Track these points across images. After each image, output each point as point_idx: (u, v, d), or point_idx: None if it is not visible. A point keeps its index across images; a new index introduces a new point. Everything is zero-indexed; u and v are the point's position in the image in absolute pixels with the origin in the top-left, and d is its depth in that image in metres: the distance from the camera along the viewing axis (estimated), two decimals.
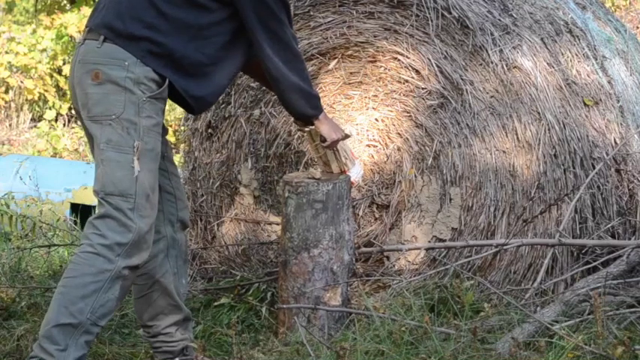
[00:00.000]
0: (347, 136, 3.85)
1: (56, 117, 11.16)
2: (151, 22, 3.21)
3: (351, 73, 4.47)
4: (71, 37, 10.91)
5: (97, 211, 3.23)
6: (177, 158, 5.78)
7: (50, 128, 10.77)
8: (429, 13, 4.29)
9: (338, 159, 3.87)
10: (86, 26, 3.35)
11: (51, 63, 11.20)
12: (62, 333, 3.15)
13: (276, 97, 4.52)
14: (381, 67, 4.41)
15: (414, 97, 4.37)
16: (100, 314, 3.18)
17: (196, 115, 3.68)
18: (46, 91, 11.18)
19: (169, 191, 3.48)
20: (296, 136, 4.56)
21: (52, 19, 11.25)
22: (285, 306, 3.82)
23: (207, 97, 3.39)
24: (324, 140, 3.70)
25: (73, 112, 10.58)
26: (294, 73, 3.45)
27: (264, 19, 3.33)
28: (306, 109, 3.58)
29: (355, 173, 3.91)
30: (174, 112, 10.44)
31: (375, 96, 4.45)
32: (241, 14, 3.33)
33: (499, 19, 4.29)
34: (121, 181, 3.18)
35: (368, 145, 4.49)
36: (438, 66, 4.31)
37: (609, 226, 4.19)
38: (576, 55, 4.33)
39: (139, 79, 3.19)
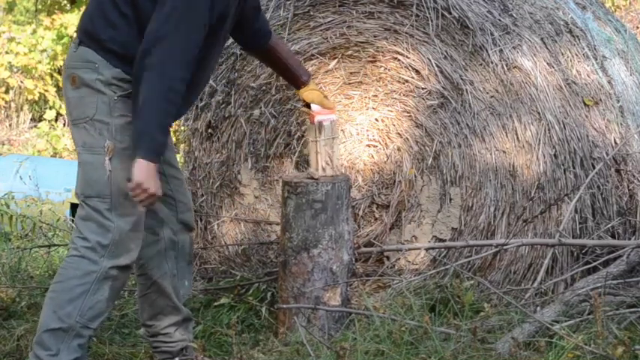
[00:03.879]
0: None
1: (56, 117, 11.17)
2: (115, 22, 3.21)
3: (351, 73, 4.47)
4: (71, 37, 10.92)
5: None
6: (177, 158, 5.78)
7: (50, 128, 10.77)
8: (429, 13, 4.29)
9: (318, 160, 3.86)
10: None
11: (51, 64, 11.21)
12: (53, 338, 3.16)
13: (276, 97, 4.55)
14: (381, 67, 4.41)
15: (414, 97, 4.37)
16: (89, 316, 3.19)
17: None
18: (46, 91, 11.18)
19: (167, 194, 3.47)
20: (296, 136, 4.56)
21: (53, 19, 11.25)
22: (285, 306, 3.82)
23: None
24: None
25: None
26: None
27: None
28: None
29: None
30: None
31: (375, 96, 4.45)
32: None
33: (499, 19, 4.29)
34: (97, 182, 3.19)
35: (368, 145, 4.49)
36: (438, 66, 4.31)
37: (609, 226, 4.19)
38: (576, 55, 4.33)
39: (109, 81, 3.20)
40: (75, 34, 3.35)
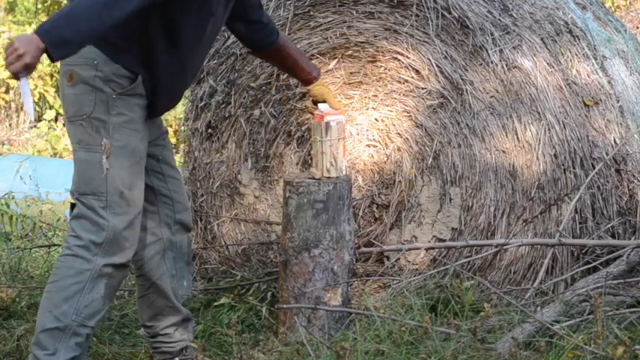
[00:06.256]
0: None
1: (56, 117, 11.17)
2: None
3: (351, 73, 4.47)
4: None
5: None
6: (177, 158, 5.79)
7: (50, 128, 10.77)
8: (429, 13, 4.29)
9: (323, 161, 3.85)
10: None
11: (52, 65, 11.20)
12: (50, 337, 3.16)
13: (276, 97, 4.55)
14: (381, 67, 4.41)
15: (414, 97, 4.37)
16: (86, 315, 3.19)
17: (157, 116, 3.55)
18: (46, 91, 11.19)
19: (165, 194, 3.47)
20: (296, 136, 4.56)
21: None
22: (285, 306, 3.82)
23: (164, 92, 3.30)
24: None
25: None
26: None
27: None
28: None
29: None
30: (174, 112, 10.43)
31: (375, 96, 4.45)
32: None
33: (499, 19, 4.29)
34: (92, 180, 3.19)
35: (368, 145, 4.49)
36: (438, 66, 4.31)
37: (609, 226, 4.19)
38: (576, 55, 4.33)
39: (109, 77, 3.19)
40: None
